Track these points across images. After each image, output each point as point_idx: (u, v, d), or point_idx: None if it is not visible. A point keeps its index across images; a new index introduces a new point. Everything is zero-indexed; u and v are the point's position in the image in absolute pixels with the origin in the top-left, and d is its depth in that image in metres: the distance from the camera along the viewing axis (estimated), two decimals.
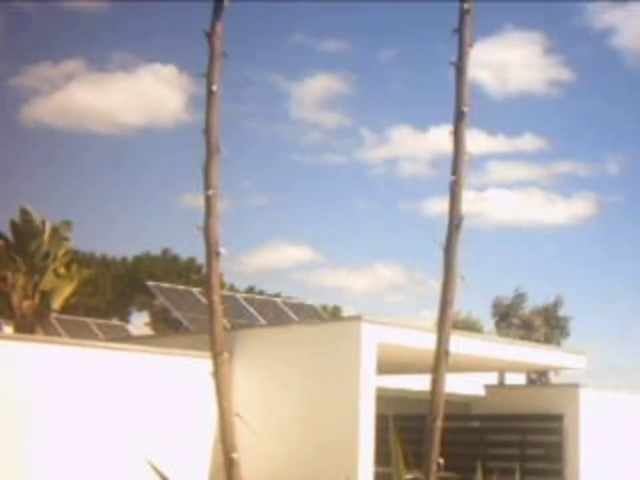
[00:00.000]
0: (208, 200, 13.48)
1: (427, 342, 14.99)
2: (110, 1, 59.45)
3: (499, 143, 60.87)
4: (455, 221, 13.44)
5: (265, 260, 65.41)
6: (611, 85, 63.84)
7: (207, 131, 13.59)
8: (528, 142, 62.92)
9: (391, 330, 17.56)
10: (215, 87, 13.53)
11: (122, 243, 65.30)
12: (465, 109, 13.53)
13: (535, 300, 56.23)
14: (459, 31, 13.65)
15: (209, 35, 13.59)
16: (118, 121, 61.58)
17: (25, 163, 59.95)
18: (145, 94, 60.13)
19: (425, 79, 58.69)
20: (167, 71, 61.35)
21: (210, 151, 13.56)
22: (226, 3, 13.58)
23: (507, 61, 60.72)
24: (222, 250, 13.72)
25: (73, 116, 60.27)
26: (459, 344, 15.75)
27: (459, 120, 13.57)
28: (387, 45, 60.74)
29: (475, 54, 13.67)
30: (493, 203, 62.91)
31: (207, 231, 13.41)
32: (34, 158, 61.43)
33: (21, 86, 62.52)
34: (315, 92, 63.40)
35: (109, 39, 61.61)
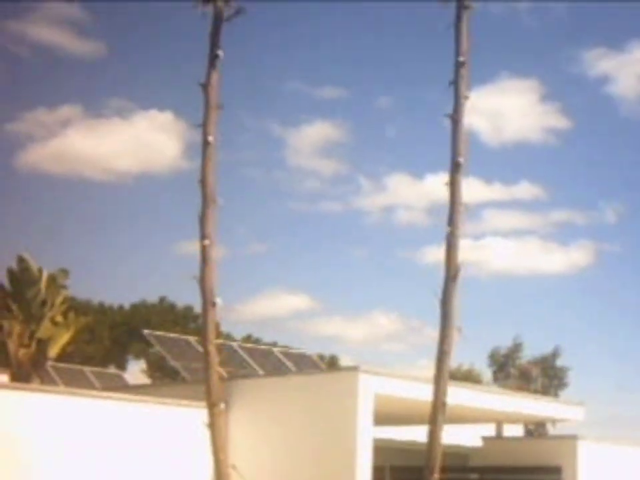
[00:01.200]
0: (204, 250, 13.52)
1: (424, 393, 14.94)
2: (106, 47, 59.76)
3: (495, 191, 60.96)
4: (451, 272, 13.47)
5: (262, 308, 65.26)
6: (607, 133, 64.08)
7: (203, 182, 13.66)
8: (524, 190, 63.03)
9: (388, 381, 17.48)
10: (210, 138, 13.63)
11: (119, 291, 65.20)
12: (461, 160, 13.61)
13: (532, 350, 56.06)
14: (455, 83, 13.78)
15: (205, 86, 13.72)
16: (114, 167, 61.70)
17: (21, 209, 59.98)
18: (141, 140, 60.29)
19: (421, 126, 58.93)
20: (164, 118, 61.55)
21: (206, 201, 13.62)
22: (221, 54, 13.73)
23: (503, 109, 60.99)
24: (218, 300, 13.74)
25: (69, 162, 60.39)
26: (457, 395, 15.68)
27: (454, 171, 13.65)
28: (384, 92, 61.01)
29: (471, 102, 13.76)
30: (489, 252, 62.89)
31: (203, 281, 13.44)
32: (30, 204, 61.46)
33: (17, 131, 62.67)
34: (311, 139, 63.62)
35: (106, 85, 61.87)
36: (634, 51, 64.55)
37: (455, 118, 13.65)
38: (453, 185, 13.54)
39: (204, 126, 13.58)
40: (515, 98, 61.20)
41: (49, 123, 62.74)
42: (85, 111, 67.50)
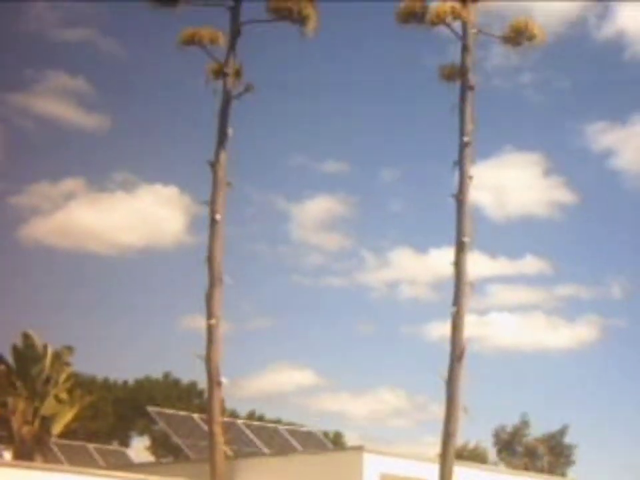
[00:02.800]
0: (209, 329, 13.52)
1: (430, 473, 14.82)
2: (111, 121, 60.20)
3: (500, 266, 60.85)
4: (457, 352, 13.45)
5: (266, 383, 64.87)
6: (612, 207, 64.11)
7: (210, 260, 13.71)
8: (529, 264, 62.90)
9: (393, 460, 17.36)
10: (218, 216, 13.70)
11: (123, 366, 64.90)
12: (466, 239, 13.68)
13: (538, 427, 55.56)
14: (459, 163, 13.90)
15: (213, 165, 13.84)
16: (118, 241, 61.73)
17: (25, 284, 59.94)
18: (146, 214, 60.38)
19: (425, 201, 59.04)
20: (168, 192, 61.69)
21: (212, 280, 13.65)
22: (230, 133, 13.87)
23: (507, 183, 61.09)
24: (223, 380, 13.70)
25: (73, 236, 60.43)
26: (463, 475, 15.54)
27: (460, 251, 13.71)
28: (387, 165, 61.29)
29: (475, 177, 13.85)
30: (494, 327, 62.58)
31: (209, 360, 13.41)
32: (34, 279, 61.39)
33: (21, 205, 62.77)
34: (315, 213, 63.77)
35: (110, 158, 62.09)
36: (637, 124, 64.88)
37: (460, 198, 13.74)
38: (459, 265, 13.59)
39: (211, 204, 13.66)
40: (519, 172, 61.39)
41: (52, 196, 62.96)
42: (89, 184, 67.70)
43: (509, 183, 61.53)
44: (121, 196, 62.07)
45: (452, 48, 14.25)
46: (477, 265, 14.14)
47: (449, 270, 13.77)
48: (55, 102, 63.92)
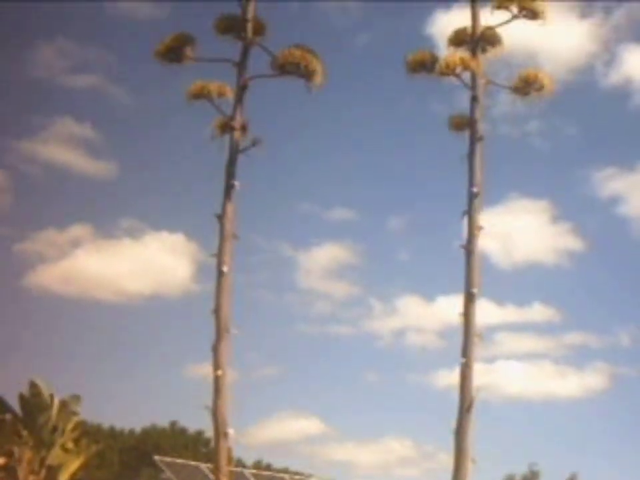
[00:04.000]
0: (217, 380, 13.43)
1: None
2: (118, 168, 60.41)
3: (508, 314, 60.74)
4: (465, 404, 13.34)
5: (273, 432, 64.58)
6: (620, 255, 64.05)
7: (217, 311, 13.65)
8: (537, 312, 62.77)
9: None
10: (225, 268, 13.67)
11: (130, 414, 64.73)
12: (475, 291, 13.63)
13: (548, 476, 55.16)
14: (468, 213, 13.89)
15: (220, 217, 13.84)
16: (125, 288, 61.75)
17: (31, 331, 59.89)
18: (152, 262, 60.45)
19: (432, 248, 59.08)
20: (175, 239, 61.81)
21: (219, 332, 13.59)
22: (237, 185, 13.89)
23: (514, 230, 61.11)
24: (230, 431, 13.60)
25: (79, 283, 60.45)
26: None
27: (468, 302, 13.65)
28: (394, 213, 61.48)
29: (482, 224, 13.84)
30: (502, 375, 62.33)
31: (215, 411, 13.31)
32: (41, 326, 61.39)
33: (28, 252, 62.92)
34: (322, 261, 63.86)
35: (116, 205, 62.25)
36: None
37: (469, 249, 13.72)
38: (467, 316, 13.54)
39: (218, 256, 13.66)
40: (527, 219, 61.43)
41: (59, 243, 63.09)
42: (96, 231, 67.85)
43: (517, 230, 61.55)
44: (127, 243, 62.15)
45: (460, 94, 14.34)
46: (485, 312, 14.12)
47: (456, 318, 13.76)
48: (62, 149, 64.16)
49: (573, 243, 62.35)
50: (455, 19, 16.67)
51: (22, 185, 61.54)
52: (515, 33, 14.46)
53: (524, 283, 62.51)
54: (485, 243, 14.03)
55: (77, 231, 64.75)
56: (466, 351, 13.47)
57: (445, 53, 14.59)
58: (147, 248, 61.57)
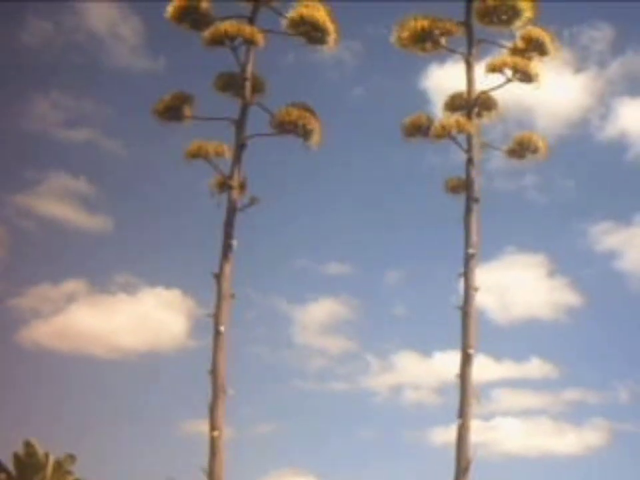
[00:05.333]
0: (213, 441, 13.38)
1: None
2: (113, 222, 60.33)
3: (505, 369, 60.29)
4: (462, 465, 13.31)
5: None
6: (618, 309, 63.56)
7: (214, 372, 13.62)
8: (535, 368, 62.26)
9: None
10: (222, 328, 13.67)
11: (125, 473, 64.00)
12: (471, 351, 13.64)
13: None
14: (465, 274, 13.94)
15: (217, 277, 13.86)
16: (119, 344, 61.25)
17: (25, 388, 59.38)
18: (148, 318, 59.99)
19: (429, 303, 58.76)
20: (171, 295, 61.41)
21: (216, 392, 13.55)
22: (234, 244, 13.93)
23: (510, 285, 60.85)
24: None
25: (74, 339, 59.86)
26: None
27: (465, 363, 13.66)
28: (391, 267, 61.24)
29: (478, 279, 13.86)
30: (500, 432, 61.74)
31: (211, 472, 13.26)
32: (34, 383, 60.88)
33: (21, 307, 62.37)
34: (318, 316, 63.52)
35: (111, 260, 61.88)
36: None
37: (465, 310, 13.75)
38: (464, 377, 13.54)
39: (215, 316, 13.66)
40: (523, 273, 61.23)
41: (53, 298, 62.59)
42: (91, 286, 67.34)
43: (513, 285, 61.32)
44: (122, 298, 61.72)
45: (455, 148, 14.38)
46: (482, 368, 14.11)
47: (453, 374, 13.74)
48: (57, 203, 64.06)
49: (570, 297, 62.04)
50: (449, 74, 16.86)
51: (16, 239, 61.37)
52: (510, 88, 14.58)
53: (521, 338, 62.17)
54: (482, 298, 14.05)
55: (72, 286, 64.27)
56: (462, 412, 13.45)
57: (440, 111, 14.78)
58: (142, 304, 61.19)
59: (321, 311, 65.87)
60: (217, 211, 14.01)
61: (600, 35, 34.56)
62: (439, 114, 14.89)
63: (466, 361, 13.59)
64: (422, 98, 34.40)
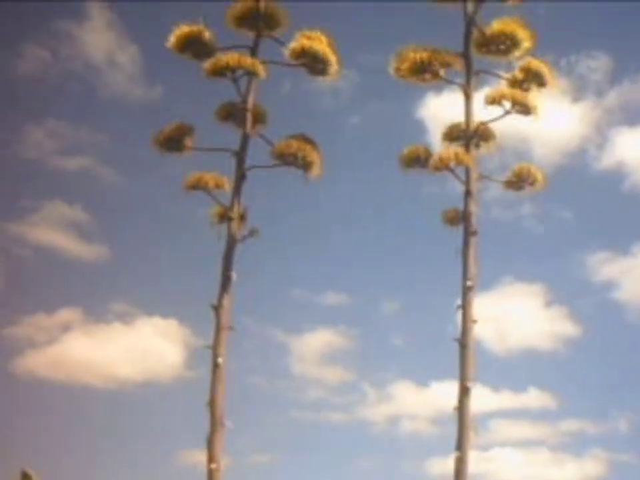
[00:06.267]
0: (210, 474, 13.32)
1: None
2: (109, 251, 60.28)
3: (503, 400, 60.14)
4: None
5: None
6: (616, 340, 63.46)
7: (212, 404, 13.54)
8: (533, 398, 62.07)
9: None
10: (220, 360, 13.63)
11: None
12: (469, 385, 13.61)
13: None
14: (462, 307, 13.92)
15: (216, 308, 13.82)
16: (115, 374, 61.00)
17: (20, 418, 59.14)
18: (144, 347, 59.77)
19: (426, 333, 58.72)
20: (167, 325, 61.27)
21: (214, 424, 13.48)
22: (233, 276, 13.91)
23: (508, 315, 60.83)
24: None
25: (69, 368, 59.62)
26: None
27: (462, 395, 13.61)
28: (388, 297, 61.19)
29: (475, 309, 13.84)
30: (498, 463, 61.57)
31: None
32: (30, 413, 60.64)
33: (16, 336, 62.20)
34: (315, 346, 63.40)
35: (107, 289, 61.69)
36: (638, 255, 64.89)
37: (463, 342, 13.73)
38: (461, 410, 13.50)
39: (214, 348, 13.62)
40: (520, 303, 61.21)
41: (48, 327, 62.41)
42: (86, 315, 67.23)
43: (510, 315, 61.31)
44: (118, 328, 61.57)
45: (452, 179, 14.38)
46: (479, 399, 14.08)
47: (450, 404, 13.71)
48: (53, 231, 64.06)
49: (567, 327, 62.00)
50: (446, 103, 16.91)
51: (10, 267, 61.27)
52: (508, 117, 14.61)
53: (519, 368, 62.08)
54: (479, 328, 14.03)
55: (67, 315, 64.08)
56: (460, 445, 13.41)
57: (437, 140, 14.82)
58: (138, 333, 61.05)
59: (317, 341, 65.57)
60: (215, 240, 14.00)
61: (597, 64, 34.68)
62: (436, 143, 14.98)
63: (464, 393, 13.56)
64: (419, 127, 34.49)
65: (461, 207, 14.28)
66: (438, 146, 15.01)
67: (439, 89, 15.60)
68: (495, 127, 14.79)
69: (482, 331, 13.86)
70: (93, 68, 41.13)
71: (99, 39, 37.06)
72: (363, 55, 33.60)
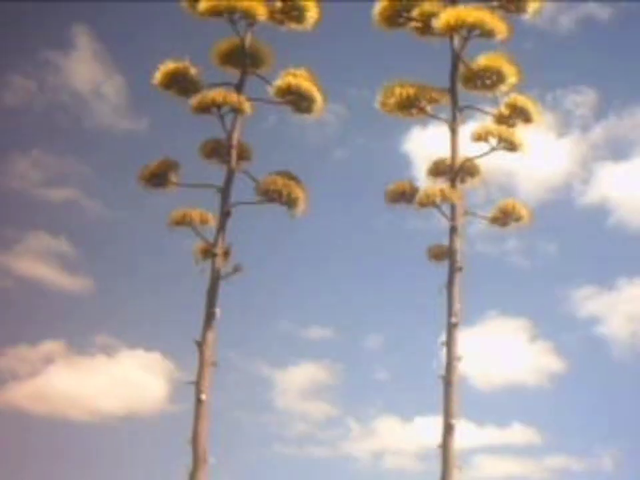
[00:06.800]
0: None
1: None
2: (93, 283, 60.02)
3: (487, 435, 59.95)
4: None
5: None
6: (601, 375, 63.38)
7: (194, 441, 13.42)
8: (517, 434, 61.86)
9: None
10: (203, 396, 13.52)
11: None
12: (453, 422, 13.52)
13: None
14: (447, 344, 13.86)
15: (199, 344, 13.74)
16: (98, 408, 60.62)
17: (1, 451, 58.65)
18: (127, 380, 59.46)
19: (411, 367, 58.60)
20: (150, 358, 61.00)
21: (196, 461, 13.36)
22: (217, 313, 13.83)
23: (493, 349, 60.81)
24: None
25: (51, 401, 59.09)
26: None
27: (446, 433, 13.52)
28: (373, 331, 61.07)
29: (459, 342, 13.76)
30: None
31: None
32: (10, 446, 60.13)
33: None
34: (299, 381, 63.17)
35: (91, 321, 61.39)
36: (623, 290, 64.99)
37: (448, 380, 13.65)
38: (445, 448, 13.41)
39: (197, 384, 13.52)
40: (506, 338, 61.19)
41: (31, 359, 62.06)
42: (69, 347, 66.89)
43: (495, 349, 61.25)
44: (101, 360, 61.26)
45: (437, 213, 14.38)
46: (464, 434, 13.98)
47: (435, 440, 13.63)
48: (36, 263, 63.79)
49: (552, 362, 61.92)
50: (431, 136, 16.92)
51: None
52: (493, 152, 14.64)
53: (503, 403, 61.98)
54: (464, 363, 13.96)
55: (50, 347, 63.68)
56: None
57: (422, 173, 14.82)
58: (121, 366, 60.71)
59: (302, 375, 65.24)
60: (198, 273, 13.94)
61: (583, 99, 34.82)
62: (421, 176, 14.98)
63: (448, 430, 13.47)
64: (404, 160, 34.55)
65: (445, 241, 14.27)
66: (423, 179, 15.07)
67: (424, 123, 15.62)
68: (481, 162, 14.80)
69: (466, 365, 13.81)
70: (79, 99, 41.10)
71: (84, 70, 37.06)
72: (348, 88, 33.71)
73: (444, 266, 14.22)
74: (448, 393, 13.59)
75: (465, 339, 13.90)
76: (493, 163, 14.99)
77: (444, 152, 14.74)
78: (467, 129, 14.69)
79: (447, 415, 13.52)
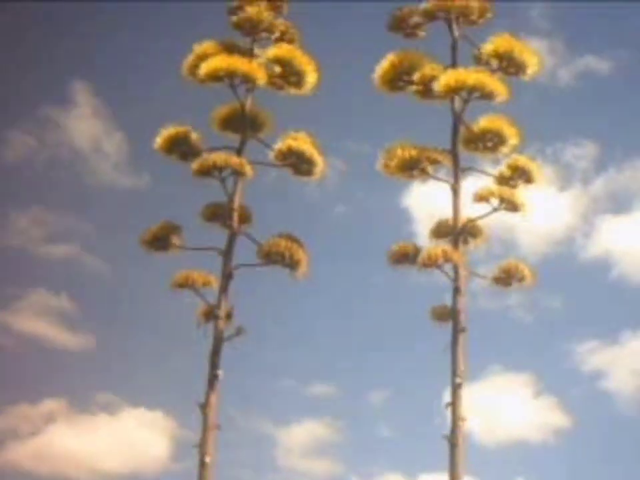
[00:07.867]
0: None
1: None
2: (95, 341, 59.85)
3: None
4: None
5: None
6: (606, 430, 62.98)
7: None
8: None
9: None
10: (208, 459, 13.49)
11: None
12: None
13: None
14: (452, 404, 13.80)
15: (203, 407, 13.71)
16: (100, 467, 60.16)
17: None
18: (129, 439, 59.03)
19: (414, 423, 58.28)
20: (153, 416, 60.63)
21: None
22: (220, 375, 13.80)
23: (496, 405, 60.43)
24: None
25: (52, 461, 58.62)
26: None
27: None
28: (376, 388, 60.79)
29: (463, 399, 13.68)
30: None
31: None
32: None
33: None
34: (302, 438, 62.74)
35: (93, 379, 61.10)
36: (627, 344, 64.77)
37: (452, 441, 13.56)
38: None
39: (201, 446, 13.49)
40: (510, 393, 60.83)
41: (32, 418, 61.72)
42: (71, 405, 66.58)
43: (499, 405, 60.84)
44: (103, 419, 60.82)
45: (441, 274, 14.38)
46: None
47: None
48: (37, 320, 63.50)
49: (557, 418, 61.51)
50: (431, 192, 16.96)
51: None
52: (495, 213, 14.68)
53: (508, 459, 61.52)
54: (468, 420, 13.89)
55: (51, 405, 63.37)
56: None
57: (423, 230, 14.88)
58: (124, 424, 60.31)
59: (305, 432, 64.69)
60: (201, 334, 13.93)
61: (583, 152, 34.90)
62: (422, 231, 15.02)
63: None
64: (404, 216, 34.60)
65: (448, 299, 14.27)
66: (424, 235, 15.13)
67: (424, 179, 15.67)
68: (483, 221, 14.83)
69: (470, 422, 13.74)
70: (79, 155, 41.22)
71: (84, 126, 37.17)
72: (349, 143, 33.88)
73: (448, 325, 14.22)
74: (453, 454, 13.50)
75: (469, 394, 13.85)
76: (495, 218, 15.02)
77: (444, 208, 14.79)
78: (469, 187, 14.76)
79: (452, 476, 13.45)
